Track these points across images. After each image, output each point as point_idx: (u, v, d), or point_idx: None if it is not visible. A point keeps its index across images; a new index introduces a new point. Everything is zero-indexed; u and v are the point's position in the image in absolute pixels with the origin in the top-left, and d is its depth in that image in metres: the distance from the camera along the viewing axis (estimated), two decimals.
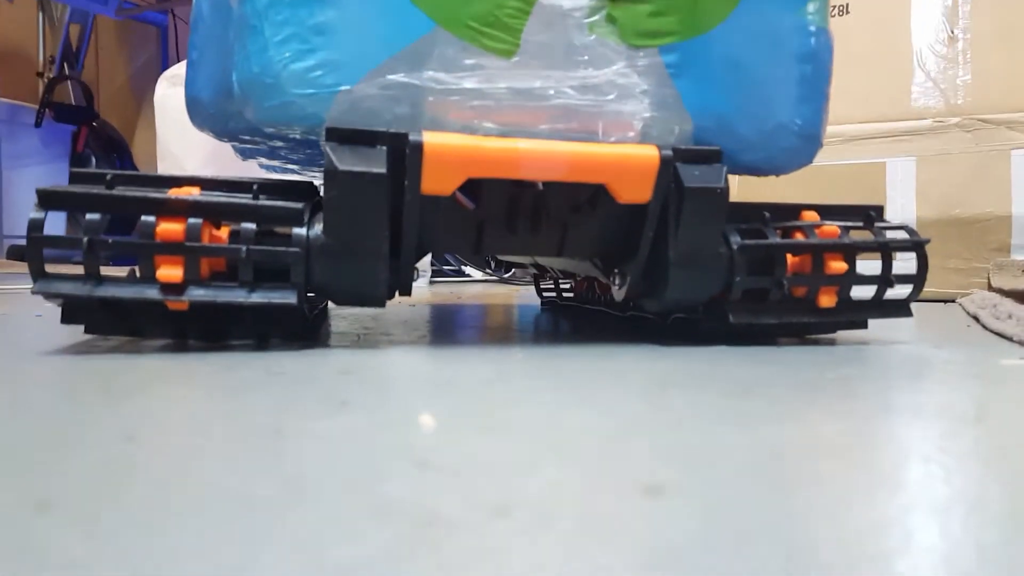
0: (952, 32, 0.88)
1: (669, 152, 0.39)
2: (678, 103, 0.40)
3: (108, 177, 0.36)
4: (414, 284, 0.44)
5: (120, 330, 0.39)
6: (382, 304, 0.39)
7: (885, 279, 0.43)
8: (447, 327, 0.54)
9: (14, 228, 2.19)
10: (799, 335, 0.47)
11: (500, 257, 0.71)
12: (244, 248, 0.35)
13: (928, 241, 0.44)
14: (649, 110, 0.40)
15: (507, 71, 0.38)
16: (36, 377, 0.31)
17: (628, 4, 0.39)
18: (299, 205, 0.37)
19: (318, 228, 0.37)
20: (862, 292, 0.44)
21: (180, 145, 1.24)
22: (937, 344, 0.45)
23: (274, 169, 0.58)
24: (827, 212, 0.44)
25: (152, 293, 0.35)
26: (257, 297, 0.36)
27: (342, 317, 0.58)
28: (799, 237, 0.42)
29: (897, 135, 0.88)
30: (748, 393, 0.29)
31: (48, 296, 0.35)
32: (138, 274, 0.35)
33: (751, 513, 0.16)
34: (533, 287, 0.81)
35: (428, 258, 1.32)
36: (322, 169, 0.36)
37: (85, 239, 0.34)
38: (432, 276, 1.40)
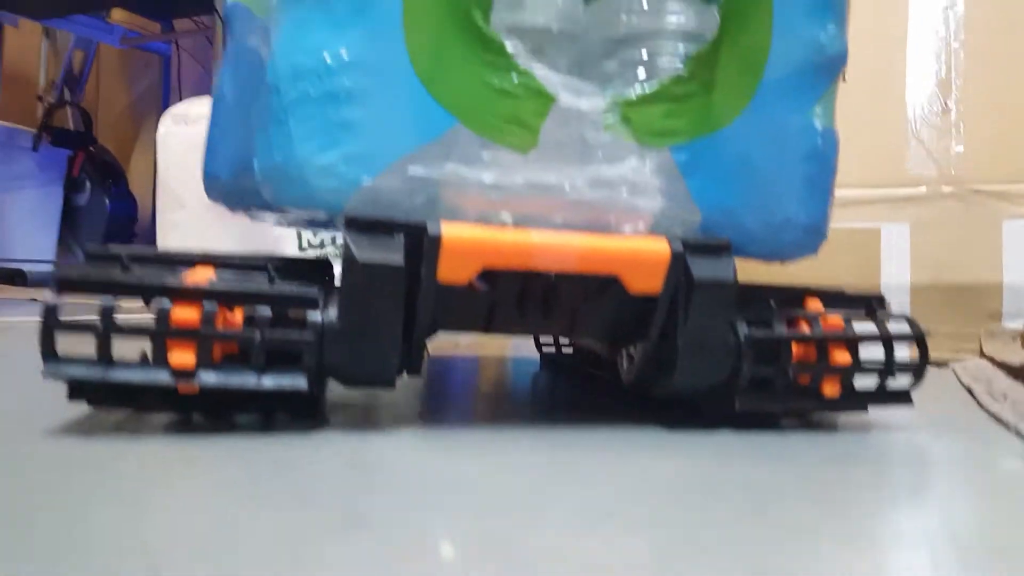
0: (945, 104, 0.90)
1: (680, 246, 0.39)
2: (688, 198, 0.41)
3: (123, 258, 0.37)
4: None
5: (125, 406, 0.39)
6: (392, 386, 0.40)
7: (888, 370, 0.44)
8: (449, 392, 0.55)
9: (6, 251, 2.18)
10: (801, 416, 0.48)
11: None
12: (259, 334, 0.36)
13: (928, 333, 0.45)
14: (660, 204, 0.41)
15: (524, 165, 0.39)
16: (36, 464, 0.31)
17: (642, 106, 0.40)
18: (314, 290, 0.37)
19: (332, 312, 0.37)
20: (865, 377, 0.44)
21: (180, 182, 1.25)
22: (936, 432, 0.46)
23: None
24: (830, 300, 0.45)
25: (164, 378, 0.35)
26: (269, 382, 0.36)
27: None
28: (804, 325, 0.43)
29: (892, 201, 0.90)
30: (763, 511, 0.29)
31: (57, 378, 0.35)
32: (150, 358, 0.36)
33: None
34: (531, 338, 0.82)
35: None
36: (329, 229, 0.37)
37: (100, 324, 0.35)
38: None
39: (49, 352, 0.34)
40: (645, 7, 0.40)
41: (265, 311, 0.36)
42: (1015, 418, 0.48)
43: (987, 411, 0.53)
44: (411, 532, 0.25)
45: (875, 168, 0.91)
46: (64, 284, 0.35)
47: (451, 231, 0.37)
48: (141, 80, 2.78)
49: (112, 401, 0.38)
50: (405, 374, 0.42)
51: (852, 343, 0.43)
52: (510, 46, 0.38)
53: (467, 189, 0.38)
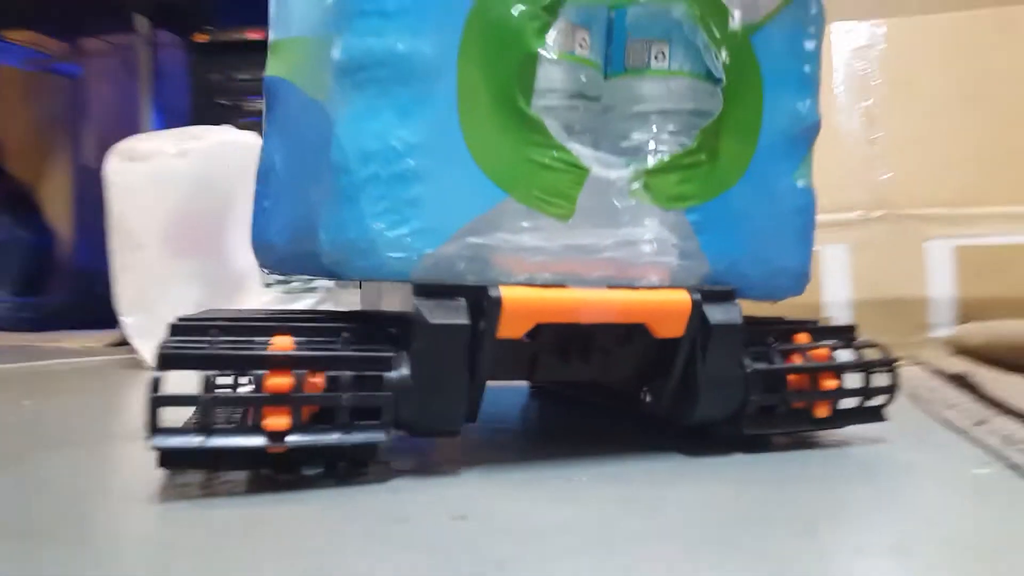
0: (872, 137, 1.00)
1: (698, 296, 0.45)
2: (699, 252, 0.47)
3: (212, 331, 0.40)
4: None
5: (211, 468, 0.42)
6: (458, 434, 0.44)
7: (866, 392, 0.51)
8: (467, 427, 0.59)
9: None
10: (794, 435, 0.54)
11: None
12: (344, 396, 0.40)
13: (898, 359, 0.52)
14: (677, 259, 0.47)
15: (564, 231, 0.44)
16: (144, 536, 0.34)
17: (660, 174, 0.46)
18: (389, 352, 0.41)
19: (404, 371, 0.41)
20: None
21: (139, 221, 1.23)
22: (907, 444, 0.53)
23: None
24: (816, 333, 0.52)
25: (259, 441, 0.39)
26: (352, 438, 0.40)
27: None
28: (797, 358, 0.50)
29: (831, 225, 0.99)
30: (812, 526, 0.35)
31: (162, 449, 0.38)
32: (249, 421, 0.39)
33: None
34: None
35: None
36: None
37: (203, 397, 0.38)
38: None
39: (154, 426, 0.37)
40: (662, 90, 0.46)
41: (348, 374, 0.40)
42: (968, 423, 0.56)
43: (939, 418, 0.61)
44: None
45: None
46: (167, 361, 0.38)
47: (509, 293, 0.42)
48: (48, 104, 2.69)
49: (201, 465, 0.41)
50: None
51: (838, 371, 0.50)
52: (549, 126, 0.44)
53: (516, 254, 0.43)
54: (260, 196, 0.49)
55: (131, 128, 2.07)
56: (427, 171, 0.42)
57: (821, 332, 0.53)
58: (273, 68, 0.48)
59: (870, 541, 0.33)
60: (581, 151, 0.44)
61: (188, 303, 1.23)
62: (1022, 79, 0.99)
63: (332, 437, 0.40)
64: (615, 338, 0.47)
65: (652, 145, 0.46)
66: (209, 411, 0.38)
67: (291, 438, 0.39)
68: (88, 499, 0.41)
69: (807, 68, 0.50)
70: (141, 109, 1.96)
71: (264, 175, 0.48)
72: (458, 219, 0.42)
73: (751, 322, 0.50)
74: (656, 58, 0.46)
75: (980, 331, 0.84)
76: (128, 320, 1.21)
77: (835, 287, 0.99)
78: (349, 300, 1.29)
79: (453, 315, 0.41)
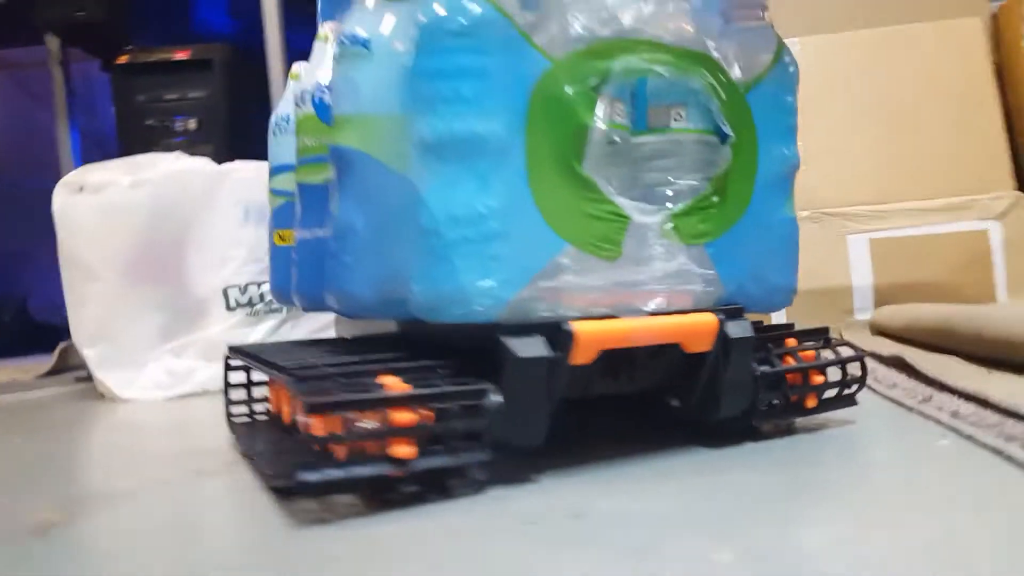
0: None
1: (723, 316, 0.55)
2: (717, 279, 0.57)
3: (335, 377, 0.47)
4: None
5: (341, 492, 0.49)
6: (538, 447, 0.52)
7: (844, 383, 0.62)
8: None
9: None
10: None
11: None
12: (456, 425, 0.47)
13: (867, 354, 0.64)
14: (701, 287, 0.56)
15: (613, 270, 0.53)
16: (337, 556, 0.41)
17: (684, 217, 0.55)
18: (485, 386, 0.49)
19: (496, 397, 0.49)
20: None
21: (94, 253, 1.23)
22: (872, 423, 0.65)
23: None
24: (800, 336, 0.63)
25: (388, 469, 0.46)
26: (461, 459, 0.48)
27: None
28: (791, 359, 0.61)
29: None
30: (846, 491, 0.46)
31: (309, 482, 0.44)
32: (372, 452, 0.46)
33: None
34: None
35: None
36: None
37: (347, 435, 0.44)
38: None
39: (309, 464, 0.44)
40: (682, 146, 0.55)
41: (455, 406, 0.48)
42: (914, 402, 0.69)
43: (886, 396, 0.73)
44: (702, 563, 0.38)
45: None
46: (315, 408, 0.44)
47: (579, 327, 0.50)
48: None
49: (332, 491, 0.48)
50: None
51: (823, 368, 0.61)
52: (598, 183, 0.52)
53: (576, 292, 0.52)
54: (340, 252, 0.55)
55: (45, 150, 2.01)
56: (505, 230, 0.49)
57: (804, 335, 0.64)
58: (345, 139, 0.54)
59: (873, 501, 0.43)
60: (623, 202, 0.53)
61: (151, 331, 1.24)
62: (923, 90, 1.14)
63: (445, 459, 0.47)
64: (650, 355, 0.56)
65: (676, 193, 0.55)
66: (354, 446, 0.45)
67: (417, 464, 0.46)
68: (240, 531, 0.46)
69: (790, 119, 0.60)
70: (58, 131, 1.90)
71: (343, 234, 0.54)
72: (531, 268, 0.50)
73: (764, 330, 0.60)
74: (675, 119, 0.55)
75: (899, 314, 0.99)
76: (90, 353, 1.21)
77: None
78: (309, 323, 1.34)
79: (535, 349, 0.49)
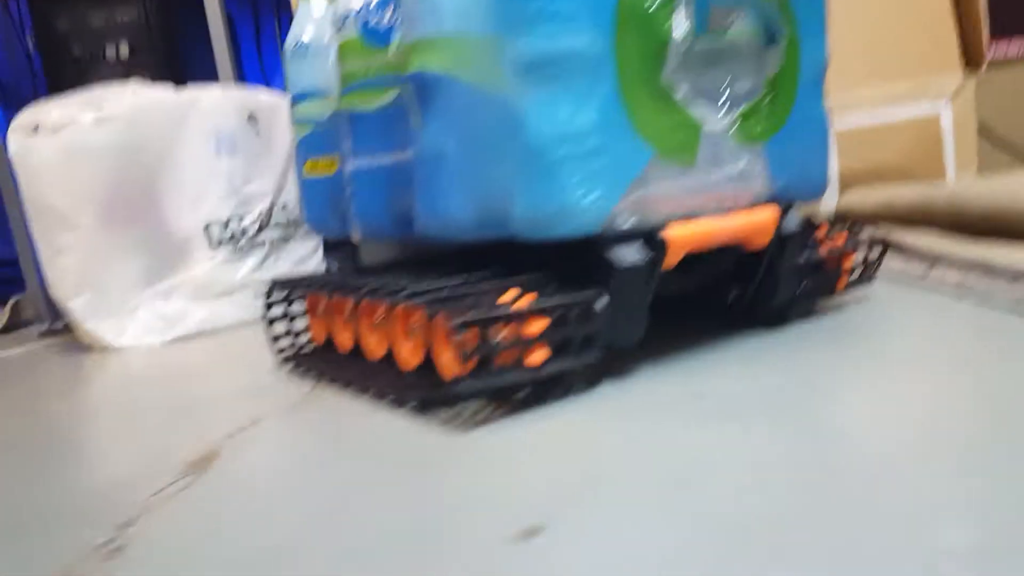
0: None
1: (779, 212, 0.61)
2: (770, 176, 0.62)
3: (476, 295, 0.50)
4: None
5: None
6: (636, 345, 0.57)
7: (867, 264, 0.70)
8: None
9: None
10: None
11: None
12: (579, 330, 0.52)
13: (885, 235, 0.71)
14: (760, 184, 0.61)
15: (690, 175, 0.57)
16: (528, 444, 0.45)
17: (745, 119, 0.60)
18: (595, 292, 0.53)
19: (603, 303, 0.53)
20: None
21: (63, 201, 1.18)
22: (887, 301, 0.73)
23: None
24: (830, 226, 0.70)
25: (527, 375, 0.50)
26: (582, 360, 0.53)
27: None
28: (825, 249, 0.67)
29: None
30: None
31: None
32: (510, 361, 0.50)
33: None
34: None
35: None
36: None
37: (490, 347, 0.48)
38: None
39: (466, 376, 0.48)
40: (741, 49, 0.59)
41: (572, 313, 0.52)
42: (913, 278, 0.77)
43: (885, 275, 0.82)
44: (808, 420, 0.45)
45: None
46: (461, 326, 0.48)
47: (670, 234, 0.55)
48: None
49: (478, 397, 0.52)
50: None
51: (854, 252, 0.68)
52: (679, 93, 0.56)
53: (662, 199, 0.56)
54: (432, 177, 0.57)
55: None
56: (604, 145, 0.53)
57: (832, 224, 0.71)
58: (427, 63, 0.55)
59: (901, 363, 0.51)
60: (697, 109, 0.57)
61: (135, 275, 1.22)
62: None
63: (569, 362, 0.52)
64: (715, 251, 0.62)
65: (737, 96, 0.59)
66: (491, 358, 0.49)
67: (548, 368, 0.51)
68: (400, 444, 0.50)
69: (823, 17, 0.65)
70: None
71: (433, 159, 0.56)
72: (625, 179, 0.54)
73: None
74: (733, 23, 0.59)
75: (870, 197, 1.08)
76: (75, 304, 1.18)
77: None
78: (290, 255, 1.34)
79: (635, 257, 0.54)
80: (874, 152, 1.19)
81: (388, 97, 0.66)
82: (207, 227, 1.25)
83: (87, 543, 0.40)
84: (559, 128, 0.52)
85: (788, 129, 0.63)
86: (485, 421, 0.51)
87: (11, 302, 1.64)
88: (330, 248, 1.48)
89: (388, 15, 0.65)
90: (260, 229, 1.29)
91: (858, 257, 0.70)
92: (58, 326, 1.40)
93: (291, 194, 1.35)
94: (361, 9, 0.66)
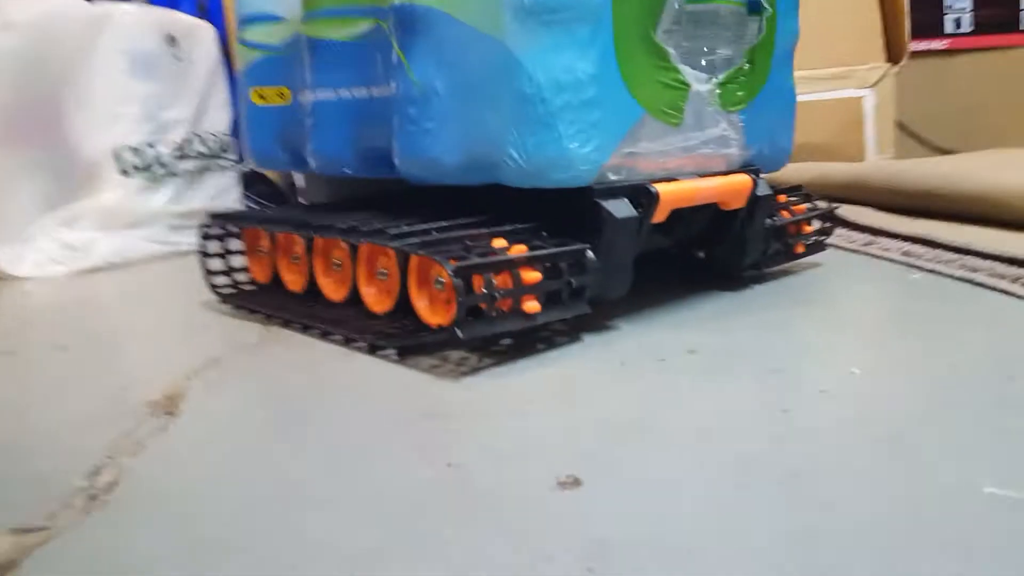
0: None
1: (755, 176, 0.62)
2: (745, 143, 0.63)
3: (466, 240, 0.49)
4: None
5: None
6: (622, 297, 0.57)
7: (822, 232, 0.73)
8: None
9: None
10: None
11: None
12: (570, 280, 0.51)
13: (836, 207, 0.75)
14: (736, 150, 0.62)
15: (675, 135, 0.57)
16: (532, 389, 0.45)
17: (726, 85, 0.60)
18: (584, 245, 0.53)
19: (591, 255, 0.53)
20: None
21: None
22: (838, 264, 0.76)
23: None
24: (787, 193, 0.72)
25: (523, 323, 0.50)
26: (571, 311, 0.53)
27: None
28: (786, 214, 0.70)
29: None
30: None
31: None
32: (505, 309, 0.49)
33: None
34: None
35: None
36: None
37: (491, 294, 0.47)
38: None
39: (463, 319, 0.46)
40: (724, 17, 0.59)
41: (564, 264, 0.51)
42: (858, 246, 0.81)
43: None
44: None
45: None
46: (462, 271, 0.46)
47: (661, 188, 0.55)
48: None
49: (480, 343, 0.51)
50: None
51: (809, 220, 0.71)
52: (670, 53, 0.56)
53: (648, 157, 0.56)
54: (419, 117, 0.54)
55: None
56: (600, 97, 0.52)
57: (789, 192, 0.73)
58: None
59: (871, 322, 0.54)
60: (685, 70, 0.57)
61: (33, 200, 1.12)
62: None
63: (561, 312, 0.52)
64: (692, 211, 0.63)
65: (720, 62, 0.60)
66: (493, 303, 0.48)
67: (544, 316, 0.50)
68: (421, 393, 0.48)
69: None
70: None
71: (421, 98, 0.54)
72: (618, 133, 0.54)
73: None
74: None
75: (804, 171, 1.12)
76: None
77: None
78: (206, 188, 1.26)
79: (627, 210, 0.54)
80: (802, 132, 1.23)
81: (360, 28, 0.62)
82: (117, 152, 1.16)
83: (67, 486, 0.37)
84: (559, 76, 0.50)
85: (762, 98, 0.64)
86: (474, 370, 0.50)
87: None
88: (251, 183, 1.40)
89: None
90: (178, 158, 1.21)
91: (814, 225, 0.72)
92: None
93: (211, 123, 1.27)
94: None
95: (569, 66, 0.51)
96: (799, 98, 0.69)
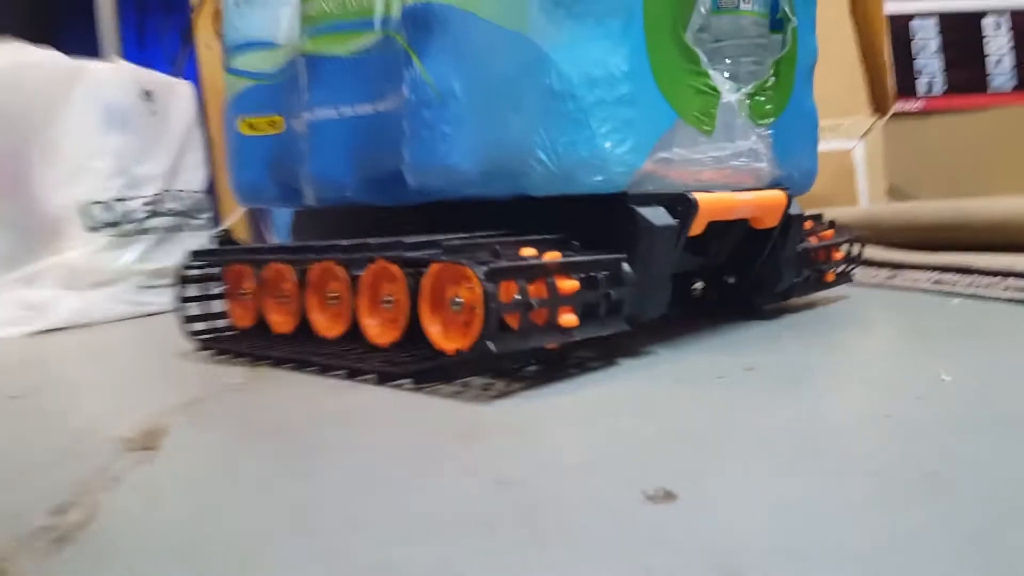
0: None
1: (789, 194, 0.58)
2: (775, 160, 0.60)
3: (496, 248, 0.43)
4: None
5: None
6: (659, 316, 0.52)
7: (849, 260, 0.69)
8: None
9: None
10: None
11: None
12: (608, 292, 0.46)
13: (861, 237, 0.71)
14: (766, 166, 0.58)
15: (708, 144, 0.53)
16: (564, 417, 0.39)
17: (754, 96, 0.57)
18: (622, 255, 0.48)
19: (628, 268, 0.48)
20: None
21: None
22: (866, 299, 0.72)
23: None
24: (813, 220, 0.68)
25: (560, 338, 0.44)
26: (608, 329, 0.47)
27: None
28: (814, 239, 0.65)
29: None
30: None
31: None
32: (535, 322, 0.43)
33: None
34: None
35: None
36: None
37: (523, 303, 0.41)
38: None
39: (492, 332, 0.40)
40: (750, 27, 0.56)
41: (603, 275, 0.46)
42: (877, 280, 0.77)
43: None
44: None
45: None
46: (494, 275, 0.41)
47: (701, 197, 0.50)
48: None
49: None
50: None
51: (839, 246, 0.67)
52: (701, 56, 0.52)
53: (683, 166, 0.52)
54: (435, 122, 0.49)
55: None
56: (634, 95, 0.48)
57: (815, 219, 0.69)
58: None
59: (931, 338, 0.50)
60: (715, 76, 0.54)
61: None
62: None
63: (599, 329, 0.46)
64: (723, 230, 0.58)
65: (749, 73, 0.57)
66: (527, 314, 0.42)
67: (576, 333, 0.44)
68: (457, 416, 0.42)
69: (814, 12, 0.64)
70: None
71: (439, 102, 0.49)
72: (652, 136, 0.49)
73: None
74: (744, 1, 0.56)
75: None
76: None
77: None
78: (182, 243, 1.19)
79: (665, 218, 0.49)
80: None
81: (365, 40, 0.58)
82: (85, 207, 1.09)
83: (27, 526, 0.29)
84: (590, 70, 0.46)
85: (788, 115, 0.61)
86: (504, 394, 0.43)
87: None
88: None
89: None
90: (149, 215, 1.15)
91: (842, 252, 0.68)
92: None
93: (186, 181, 1.22)
94: None
95: (601, 60, 0.47)
96: None
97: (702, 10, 0.52)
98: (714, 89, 0.53)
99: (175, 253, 1.20)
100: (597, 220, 0.49)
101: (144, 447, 0.39)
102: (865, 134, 1.24)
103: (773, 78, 0.59)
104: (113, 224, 1.11)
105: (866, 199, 1.23)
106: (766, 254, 0.59)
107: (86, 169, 1.09)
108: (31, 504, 0.31)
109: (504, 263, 0.42)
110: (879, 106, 1.32)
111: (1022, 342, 0.49)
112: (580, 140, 0.46)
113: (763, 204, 0.56)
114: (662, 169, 0.50)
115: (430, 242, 0.46)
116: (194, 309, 0.66)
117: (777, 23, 0.59)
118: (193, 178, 1.24)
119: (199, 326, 0.66)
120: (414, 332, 0.49)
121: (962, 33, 1.61)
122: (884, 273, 0.78)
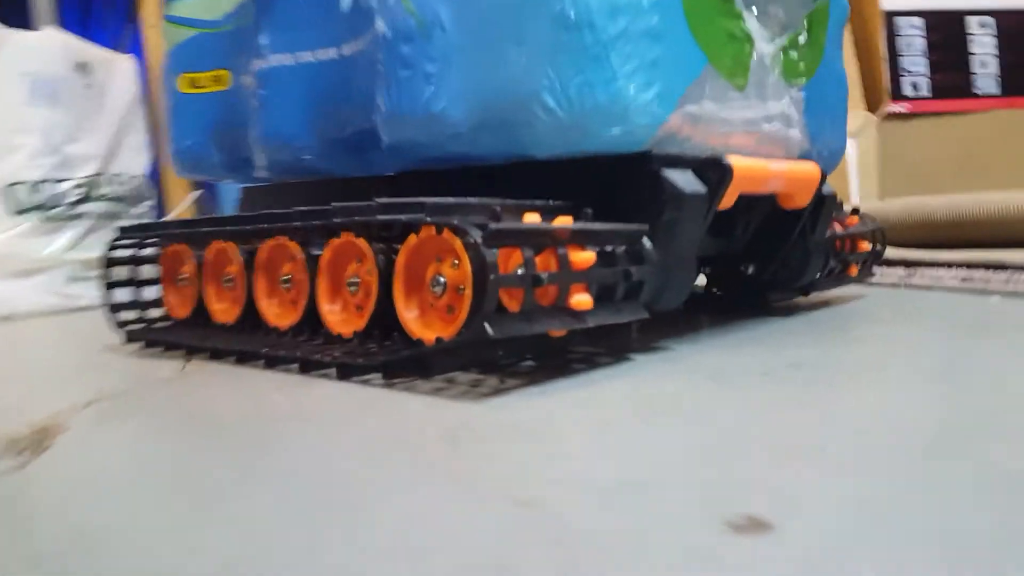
0: None
1: (822, 169, 0.50)
2: (805, 128, 0.52)
3: (497, 211, 0.34)
4: None
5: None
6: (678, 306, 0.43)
7: (874, 253, 0.61)
8: None
9: None
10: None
11: None
12: (628, 270, 0.37)
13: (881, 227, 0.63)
14: (798, 134, 0.51)
15: (741, 102, 0.45)
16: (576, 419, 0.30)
17: (787, 51, 0.49)
18: (644, 226, 0.39)
19: (648, 244, 0.39)
20: None
21: None
22: (887, 298, 0.65)
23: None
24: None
25: (570, 322, 0.35)
26: (625, 317, 0.38)
27: None
28: (838, 227, 0.58)
29: None
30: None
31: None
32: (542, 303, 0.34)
33: None
34: None
35: None
36: None
37: (530, 277, 0.32)
38: None
39: (489, 311, 0.31)
40: None
41: (621, 249, 0.37)
42: (894, 280, 0.70)
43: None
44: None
45: None
46: (494, 237, 0.31)
47: (736, 162, 0.42)
48: None
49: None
50: None
51: (866, 236, 0.59)
52: None
53: (712, 125, 0.43)
54: (416, 59, 0.40)
55: None
56: (662, 31, 0.39)
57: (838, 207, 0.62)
58: None
59: (980, 334, 0.42)
60: (749, 19, 0.45)
61: None
62: None
63: (615, 315, 0.37)
64: (746, 209, 0.50)
65: (781, 25, 0.49)
66: (531, 292, 0.33)
67: (591, 318, 0.36)
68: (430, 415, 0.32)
69: None
70: None
71: (423, 34, 0.40)
72: (681, 83, 0.41)
73: None
74: None
75: None
76: None
77: None
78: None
79: (695, 184, 0.40)
80: None
81: None
82: (8, 188, 0.98)
83: None
84: None
85: (819, 77, 0.53)
86: (498, 391, 0.34)
87: None
88: None
89: None
90: (82, 199, 1.03)
91: (867, 245, 0.61)
92: None
93: (126, 165, 1.11)
94: None
95: None
96: None
97: None
98: (748, 36, 0.45)
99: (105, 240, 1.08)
100: (610, 187, 0.40)
101: (31, 448, 0.29)
102: (858, 131, 1.18)
103: (806, 33, 0.51)
104: (40, 207, 1.00)
105: (857, 198, 1.17)
106: (793, 238, 0.51)
107: (9, 145, 0.98)
108: None
109: (506, 225, 0.33)
110: (873, 103, 1.27)
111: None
112: (598, 81, 0.38)
113: (798, 177, 0.48)
114: (688, 127, 0.42)
115: (411, 204, 0.36)
116: (123, 296, 0.56)
117: None
118: (134, 161, 1.12)
119: (127, 315, 0.56)
120: (385, 321, 0.39)
121: (944, 34, 1.58)
122: (898, 272, 0.71)
